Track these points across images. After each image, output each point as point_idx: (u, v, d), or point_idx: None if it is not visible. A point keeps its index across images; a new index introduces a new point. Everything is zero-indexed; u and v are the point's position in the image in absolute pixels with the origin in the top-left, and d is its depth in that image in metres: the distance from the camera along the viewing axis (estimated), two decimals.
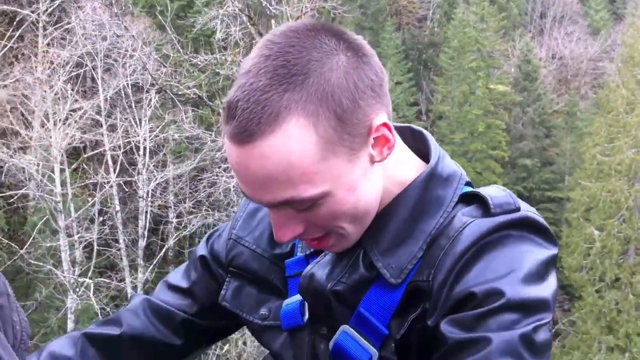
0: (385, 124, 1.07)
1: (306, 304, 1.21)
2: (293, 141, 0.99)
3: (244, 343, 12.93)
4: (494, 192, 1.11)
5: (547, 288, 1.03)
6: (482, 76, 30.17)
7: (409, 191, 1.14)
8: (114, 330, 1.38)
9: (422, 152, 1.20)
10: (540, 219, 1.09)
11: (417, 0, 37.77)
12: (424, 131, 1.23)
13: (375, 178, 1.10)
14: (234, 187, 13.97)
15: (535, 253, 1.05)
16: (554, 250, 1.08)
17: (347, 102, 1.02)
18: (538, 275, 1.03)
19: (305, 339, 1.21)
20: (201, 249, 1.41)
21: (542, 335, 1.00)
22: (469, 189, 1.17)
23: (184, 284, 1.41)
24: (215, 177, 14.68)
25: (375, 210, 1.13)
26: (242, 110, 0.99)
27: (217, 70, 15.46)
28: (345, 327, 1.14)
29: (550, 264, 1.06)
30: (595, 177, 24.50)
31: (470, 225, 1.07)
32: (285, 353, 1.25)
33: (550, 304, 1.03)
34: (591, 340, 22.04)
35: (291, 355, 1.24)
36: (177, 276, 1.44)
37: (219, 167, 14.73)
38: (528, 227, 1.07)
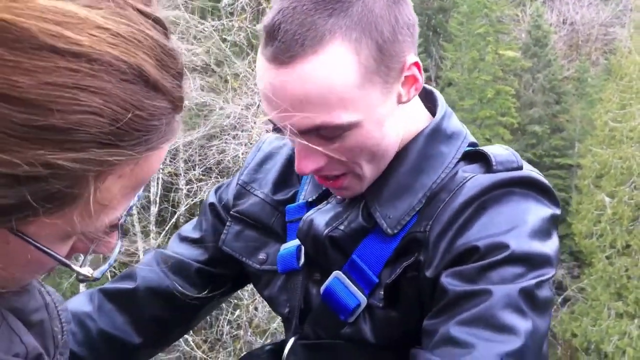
0: (416, 63, 1.08)
1: (303, 248, 1.22)
2: (335, 64, 1.00)
3: (255, 308, 13.02)
4: (497, 150, 1.12)
5: (550, 245, 1.02)
6: (492, 42, 29.82)
7: (412, 145, 1.15)
8: (128, 284, 1.39)
9: (432, 111, 1.21)
10: (543, 179, 1.08)
11: None
12: (435, 91, 1.24)
13: (398, 120, 1.11)
14: (242, 154, 13.96)
15: (539, 210, 1.04)
16: (556, 210, 1.07)
17: (388, 33, 1.03)
18: (542, 231, 1.02)
19: (299, 283, 1.22)
20: (211, 198, 1.43)
21: (544, 292, 0.99)
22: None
23: (195, 234, 1.43)
24: (225, 145, 14.64)
25: (392, 154, 1.13)
26: (285, 32, 0.98)
27: (224, 36, 15.37)
28: (337, 273, 1.15)
29: (553, 222, 1.05)
30: (607, 144, 24.34)
31: (471, 179, 1.07)
32: (279, 297, 1.26)
33: (553, 260, 1.02)
34: (601, 306, 22.12)
35: (284, 299, 1.25)
36: (188, 228, 1.46)
37: (228, 135, 14.69)
38: (531, 186, 1.06)
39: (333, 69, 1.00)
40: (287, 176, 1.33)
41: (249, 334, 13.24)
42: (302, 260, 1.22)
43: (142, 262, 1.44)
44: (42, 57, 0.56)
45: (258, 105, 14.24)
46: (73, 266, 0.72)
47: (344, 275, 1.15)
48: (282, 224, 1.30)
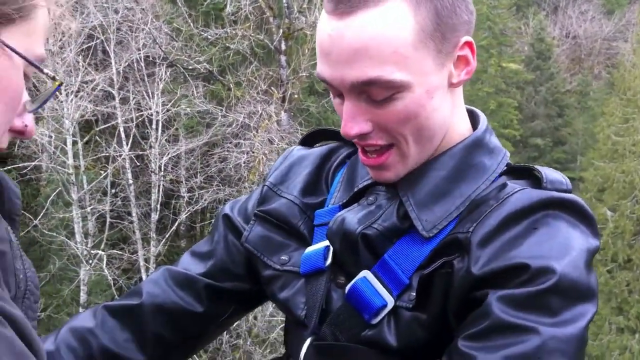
0: (470, 44, 1.10)
1: (330, 250, 1.18)
2: (394, 18, 1.02)
3: (255, 317, 12.99)
4: (547, 170, 1.10)
5: (594, 279, 1.01)
6: (495, 54, 29.93)
7: (454, 151, 1.13)
8: (133, 300, 1.36)
9: (474, 127, 1.20)
10: (589, 208, 1.06)
11: None
12: (477, 110, 1.23)
13: (447, 103, 1.10)
14: (244, 162, 13.96)
15: (586, 242, 1.02)
16: (598, 243, 1.05)
17: (447, 3, 1.05)
18: (588, 264, 1.00)
19: (322, 285, 1.18)
20: (225, 209, 1.39)
21: (586, 333, 0.98)
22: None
23: (205, 248, 1.40)
24: (227, 153, 14.65)
25: (438, 140, 1.12)
26: None
27: (227, 44, 15.41)
28: (365, 272, 1.12)
29: (594, 256, 1.04)
30: (609, 158, 24.34)
31: (521, 191, 1.05)
32: (297, 299, 1.22)
33: (596, 294, 1.00)
34: (602, 320, 22.04)
35: (302, 301, 1.21)
36: (200, 244, 1.42)
37: (230, 143, 14.69)
38: (579, 214, 1.04)
39: (390, 22, 1.02)
40: (317, 182, 1.30)
41: (248, 343, 13.20)
42: (330, 260, 1.19)
43: (149, 278, 1.41)
44: None
45: (260, 114, 14.27)
46: (44, 69, 0.87)
47: (372, 276, 1.11)
48: (309, 227, 1.26)
